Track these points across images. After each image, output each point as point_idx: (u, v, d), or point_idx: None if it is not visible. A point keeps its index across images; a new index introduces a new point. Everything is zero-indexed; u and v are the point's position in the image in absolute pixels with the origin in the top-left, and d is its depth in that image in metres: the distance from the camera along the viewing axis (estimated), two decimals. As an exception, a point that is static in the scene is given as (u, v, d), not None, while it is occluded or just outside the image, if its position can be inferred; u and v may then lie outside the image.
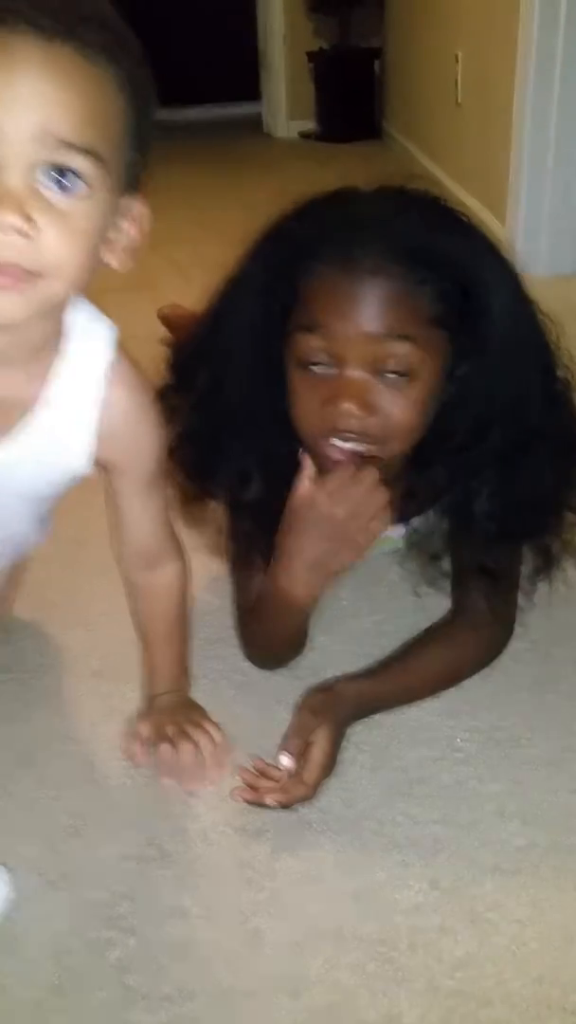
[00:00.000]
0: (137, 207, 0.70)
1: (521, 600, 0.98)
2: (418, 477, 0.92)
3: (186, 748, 0.91)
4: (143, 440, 0.84)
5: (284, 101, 4.57)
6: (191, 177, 3.42)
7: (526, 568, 0.95)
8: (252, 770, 0.88)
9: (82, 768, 0.94)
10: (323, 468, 0.85)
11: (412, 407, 0.82)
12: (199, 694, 0.99)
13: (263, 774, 0.87)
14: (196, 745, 0.92)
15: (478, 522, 0.89)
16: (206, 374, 0.90)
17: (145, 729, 0.94)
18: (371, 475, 0.83)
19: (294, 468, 0.86)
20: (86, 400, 0.78)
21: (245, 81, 4.85)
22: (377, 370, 0.80)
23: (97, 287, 0.71)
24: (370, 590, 1.16)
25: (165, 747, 0.92)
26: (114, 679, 1.04)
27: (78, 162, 0.61)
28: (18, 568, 1.07)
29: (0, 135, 0.58)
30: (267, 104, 4.70)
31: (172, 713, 0.95)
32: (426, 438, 0.85)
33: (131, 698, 0.99)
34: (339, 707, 0.89)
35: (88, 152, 0.61)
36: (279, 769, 0.87)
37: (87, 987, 0.73)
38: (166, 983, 0.73)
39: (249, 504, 0.92)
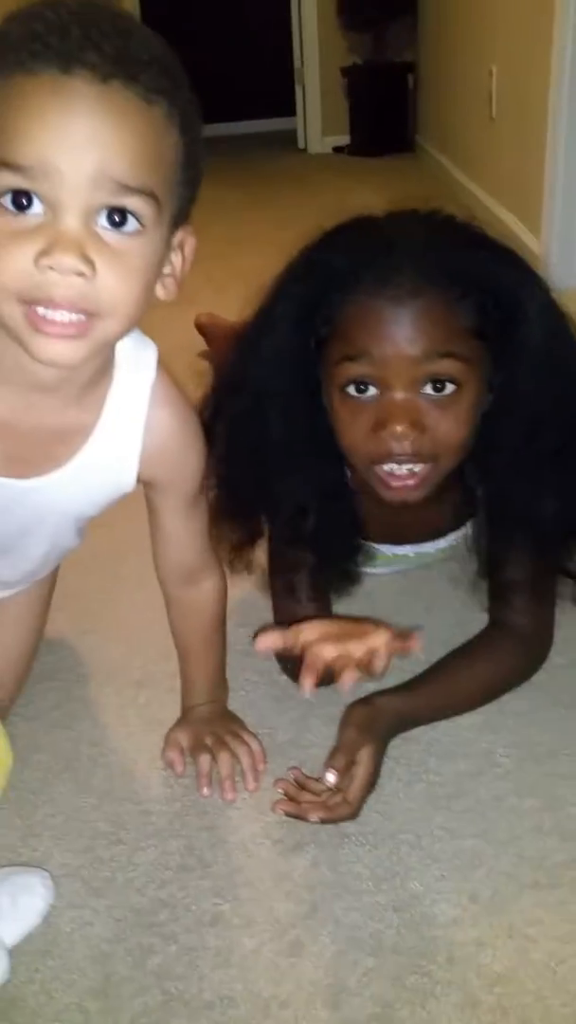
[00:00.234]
0: (186, 238, 0.71)
1: (559, 615, 0.98)
2: (460, 490, 0.93)
3: (224, 758, 0.93)
4: (185, 459, 0.85)
5: (318, 116, 4.62)
6: (226, 192, 3.46)
7: (567, 587, 0.95)
8: (292, 782, 0.89)
9: (122, 777, 0.95)
10: (377, 492, 0.86)
11: (460, 421, 0.83)
12: (236, 705, 1.00)
13: (303, 787, 0.88)
14: (234, 755, 0.93)
15: (537, 525, 0.89)
16: (243, 413, 0.90)
17: (184, 739, 0.96)
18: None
19: (346, 493, 0.86)
20: (134, 422, 0.79)
21: (280, 97, 4.90)
22: (422, 389, 0.81)
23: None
24: (408, 604, 1.17)
25: (204, 757, 0.93)
26: (154, 689, 1.05)
27: (135, 203, 0.61)
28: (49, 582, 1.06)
29: (58, 178, 0.59)
30: (301, 119, 4.74)
31: (210, 724, 0.96)
32: (472, 450, 0.86)
33: (170, 708, 1.00)
34: (381, 723, 0.89)
35: (144, 193, 0.62)
36: (318, 782, 0.87)
37: (128, 992, 0.74)
38: (207, 990, 0.74)
39: (307, 536, 0.93)
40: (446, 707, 0.96)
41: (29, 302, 0.62)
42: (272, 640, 0.80)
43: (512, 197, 2.62)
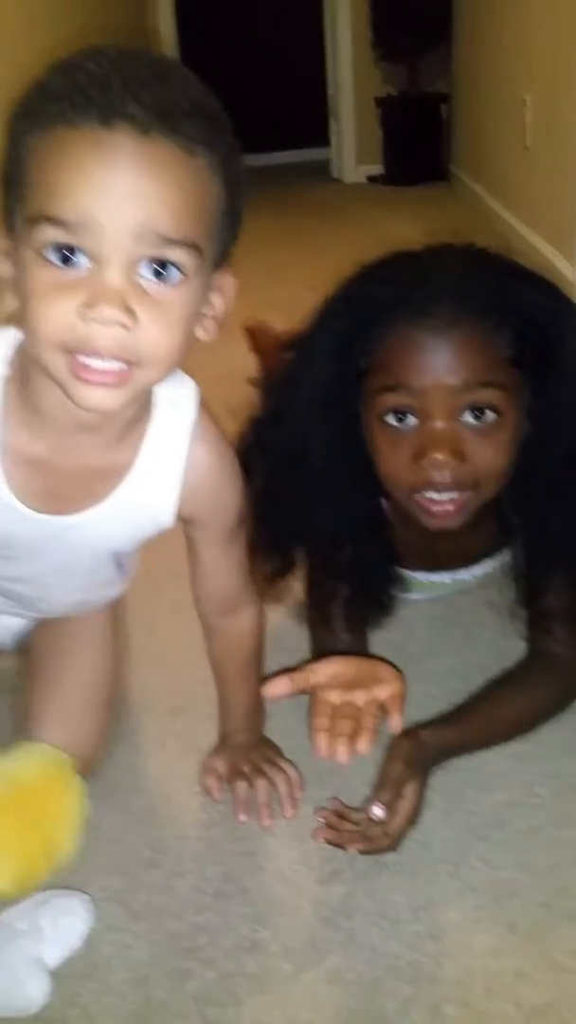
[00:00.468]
0: (226, 279, 0.72)
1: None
2: (496, 517, 0.94)
3: (261, 785, 0.93)
4: (224, 495, 0.85)
5: (352, 146, 4.67)
6: (262, 222, 3.50)
7: None
8: (332, 812, 0.89)
9: (161, 802, 0.96)
10: (417, 518, 0.87)
11: (500, 449, 0.83)
12: (273, 732, 1.01)
13: (342, 816, 0.88)
14: (271, 782, 0.94)
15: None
16: (282, 446, 0.91)
17: (221, 766, 0.96)
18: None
19: (383, 524, 0.87)
20: (173, 460, 0.80)
21: (314, 127, 4.97)
22: (462, 418, 0.82)
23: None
24: (445, 632, 1.17)
25: (240, 784, 0.94)
26: (191, 716, 1.06)
27: (177, 255, 0.62)
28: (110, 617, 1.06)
29: (100, 233, 0.59)
30: (335, 149, 4.81)
31: (247, 750, 0.97)
32: (511, 478, 0.87)
33: (208, 735, 1.01)
34: (426, 757, 0.89)
35: (187, 244, 0.62)
36: (357, 811, 0.88)
37: (167, 1016, 0.75)
38: (245, 1016, 0.74)
39: (344, 567, 0.94)
40: (487, 739, 0.96)
41: (72, 351, 0.63)
42: (281, 688, 0.82)
43: (547, 225, 2.63)
